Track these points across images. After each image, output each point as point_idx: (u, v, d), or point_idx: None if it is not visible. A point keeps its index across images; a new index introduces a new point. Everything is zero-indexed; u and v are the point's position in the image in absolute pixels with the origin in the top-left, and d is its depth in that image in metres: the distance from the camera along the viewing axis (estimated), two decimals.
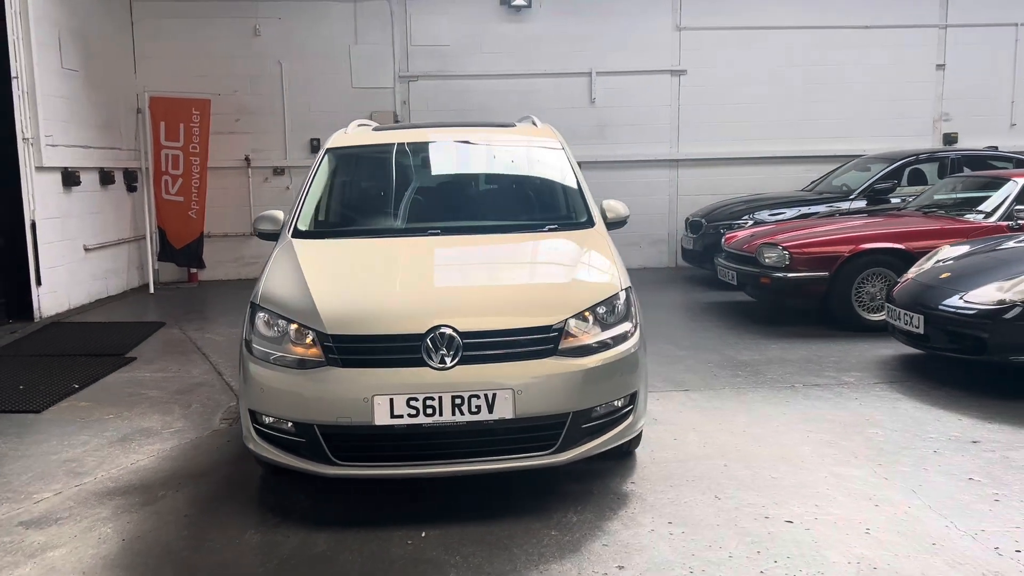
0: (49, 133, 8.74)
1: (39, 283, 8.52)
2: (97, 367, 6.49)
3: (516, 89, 11.54)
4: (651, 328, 7.59)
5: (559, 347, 3.60)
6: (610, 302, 3.87)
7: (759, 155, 11.82)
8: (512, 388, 3.47)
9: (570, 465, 3.94)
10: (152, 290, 10.68)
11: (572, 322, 3.68)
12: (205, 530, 3.59)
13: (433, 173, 5.23)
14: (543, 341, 3.59)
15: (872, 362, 6.23)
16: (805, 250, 7.36)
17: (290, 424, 3.57)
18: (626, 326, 3.87)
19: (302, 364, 3.57)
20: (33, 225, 8.44)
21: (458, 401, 3.44)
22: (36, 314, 8.49)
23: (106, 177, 10.09)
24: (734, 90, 11.75)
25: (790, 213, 9.77)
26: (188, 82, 11.08)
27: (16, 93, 8.26)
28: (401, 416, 3.43)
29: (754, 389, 5.61)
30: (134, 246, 10.95)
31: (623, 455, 4.33)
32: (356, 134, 5.39)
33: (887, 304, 6.13)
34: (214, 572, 3.23)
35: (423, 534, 3.49)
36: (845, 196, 9.90)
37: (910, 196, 9.35)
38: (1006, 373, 5.54)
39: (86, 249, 9.57)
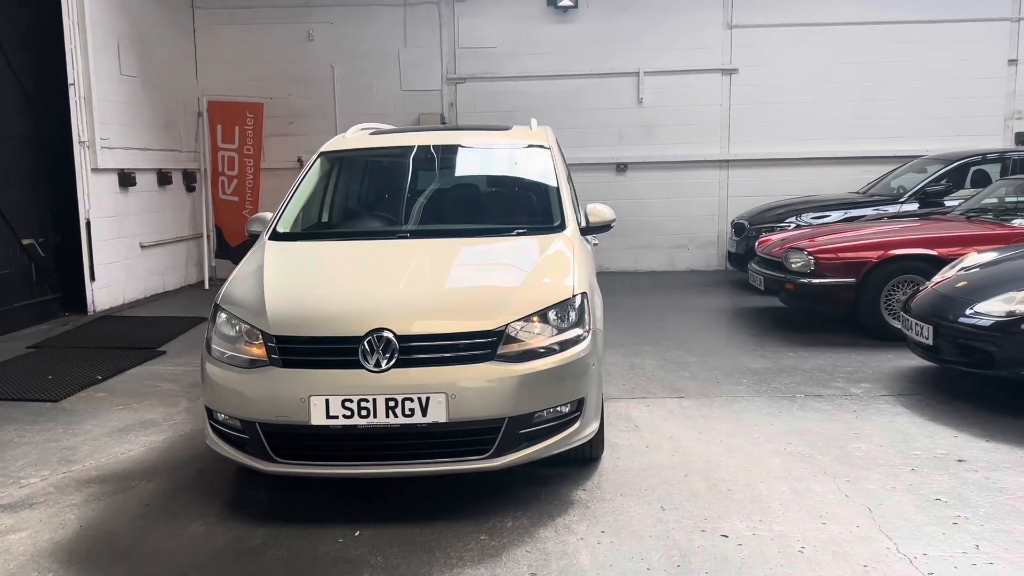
0: (106, 136, 9.22)
1: (93, 278, 9.00)
2: (126, 359, 6.82)
3: (562, 90, 11.52)
4: (670, 332, 7.53)
5: (498, 352, 3.61)
6: (561, 307, 3.85)
7: (813, 156, 11.45)
8: (445, 392, 3.50)
9: (525, 469, 3.98)
10: (207, 286, 11.13)
11: (516, 326, 3.68)
12: (157, 520, 3.76)
13: (416, 177, 5.30)
14: (480, 346, 3.61)
15: (887, 374, 5.99)
16: (831, 255, 7.12)
17: (238, 422, 3.69)
18: (576, 331, 3.85)
19: (252, 364, 3.69)
20: (88, 223, 8.92)
21: (392, 404, 3.50)
22: (90, 308, 8.98)
23: (164, 178, 10.57)
24: (788, 89, 11.42)
25: (835, 216, 9.44)
26: (246, 86, 11.50)
27: (73, 99, 8.74)
28: (336, 417, 3.51)
29: (751, 398, 5.48)
30: (192, 244, 11.43)
31: (585, 461, 4.30)
32: (350, 139, 5.51)
33: (901, 313, 5.88)
34: (146, 560, 3.39)
35: (357, 533, 3.56)
36: (895, 199, 9.50)
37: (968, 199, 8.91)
38: (1022, 388, 5.25)
39: (142, 246, 10.05)
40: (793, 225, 9.35)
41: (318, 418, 3.51)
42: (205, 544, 3.50)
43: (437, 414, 3.50)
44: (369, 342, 3.56)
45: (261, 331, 3.70)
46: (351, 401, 3.50)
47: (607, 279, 11.07)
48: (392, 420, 3.50)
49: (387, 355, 3.55)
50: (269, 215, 4.95)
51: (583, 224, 4.90)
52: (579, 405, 3.83)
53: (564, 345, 3.79)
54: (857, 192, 10.51)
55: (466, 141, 5.38)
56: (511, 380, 3.57)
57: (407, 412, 3.50)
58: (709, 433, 4.80)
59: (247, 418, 3.64)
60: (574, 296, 3.93)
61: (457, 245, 4.42)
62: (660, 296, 9.64)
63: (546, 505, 3.82)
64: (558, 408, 3.76)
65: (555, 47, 11.47)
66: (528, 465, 4.02)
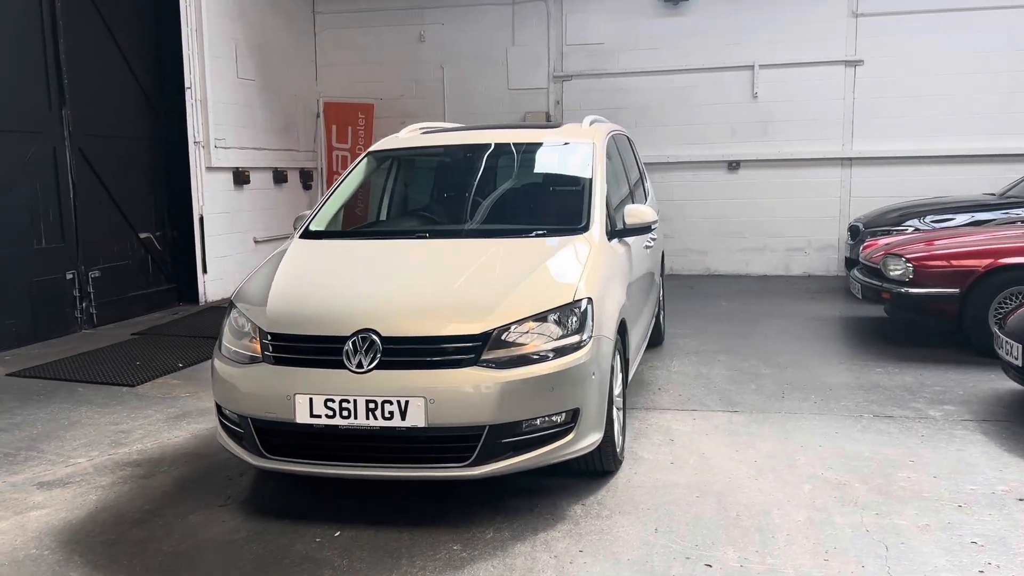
0: (221, 137, 9.75)
1: (205, 271, 9.55)
2: (211, 349, 7.16)
3: (672, 85, 11.15)
4: (755, 341, 7.10)
5: (484, 357, 3.50)
6: (561, 311, 3.70)
7: (948, 153, 10.51)
8: (424, 397, 3.43)
9: (528, 478, 3.89)
10: None
11: (510, 330, 3.57)
12: (163, 507, 3.90)
13: (452, 177, 5.25)
14: (463, 350, 3.51)
15: (979, 396, 5.38)
16: (931, 263, 6.49)
17: (236, 416, 3.78)
18: (574, 339, 3.68)
19: (251, 360, 3.76)
20: (201, 219, 9.47)
21: (372, 406, 3.47)
22: (201, 299, 9.53)
23: (279, 176, 11.07)
24: (919, 81, 10.53)
25: (960, 220, 8.61)
26: (361, 87, 11.88)
27: (189, 101, 9.30)
28: (320, 416, 3.51)
29: (811, 416, 5.07)
30: None
31: (596, 474, 4.11)
32: (401, 138, 5.53)
33: (994, 330, 5.27)
34: (135, 544, 3.52)
35: (337, 534, 3.56)
36: None
37: None
38: None
39: (256, 241, 10.56)
40: (911, 229, 8.61)
41: (302, 416, 3.53)
42: (194, 534, 3.60)
43: (416, 418, 3.44)
44: (354, 342, 3.55)
45: (260, 328, 3.77)
46: (333, 401, 3.50)
47: (709, 283, 10.68)
48: (372, 422, 3.47)
49: (370, 356, 3.52)
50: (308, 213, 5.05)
51: (621, 226, 4.69)
52: (573, 416, 3.66)
53: (560, 352, 3.63)
54: (992, 194, 9.54)
55: (510, 140, 5.27)
56: (493, 387, 3.45)
57: (387, 415, 3.46)
58: (747, 452, 4.47)
59: (242, 413, 3.72)
60: (576, 301, 3.76)
61: (470, 246, 4.34)
62: (762, 302, 9.14)
63: (535, 519, 3.67)
64: (549, 418, 3.60)
65: (665, 42, 11.12)
66: (533, 475, 3.92)
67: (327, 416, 3.51)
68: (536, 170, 5.07)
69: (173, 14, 9.15)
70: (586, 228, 4.40)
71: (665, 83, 11.17)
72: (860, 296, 7.23)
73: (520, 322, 3.61)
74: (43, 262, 7.62)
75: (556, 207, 4.80)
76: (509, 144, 5.19)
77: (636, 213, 4.72)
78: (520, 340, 3.60)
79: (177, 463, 4.50)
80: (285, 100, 11.24)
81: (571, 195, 4.74)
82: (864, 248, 7.69)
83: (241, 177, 10.21)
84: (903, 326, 7.47)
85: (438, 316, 3.63)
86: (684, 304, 9.03)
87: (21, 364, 6.68)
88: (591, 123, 5.47)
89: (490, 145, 5.23)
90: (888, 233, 8.60)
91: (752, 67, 10.89)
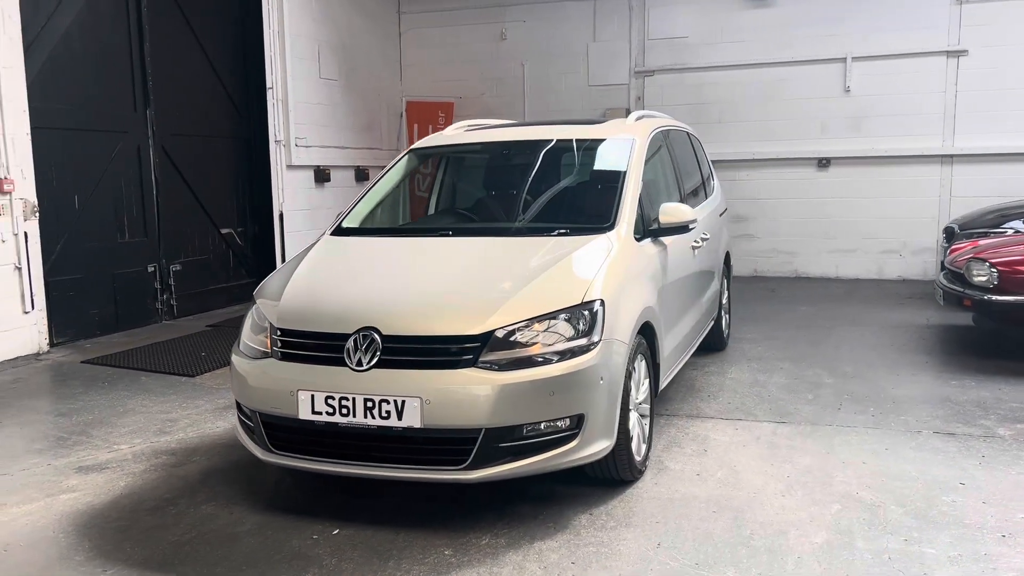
0: (302, 136, 10.00)
1: None
2: None
3: (759, 79, 10.73)
4: (825, 349, 6.73)
5: (483, 358, 3.42)
6: (568, 313, 3.57)
7: None
8: (420, 397, 3.38)
9: (540, 483, 3.82)
10: None
11: (512, 331, 3.47)
12: (179, 496, 4.00)
13: (487, 173, 5.18)
14: (462, 351, 3.44)
15: None
16: (1019, 269, 5.97)
17: (248, 410, 3.82)
18: (582, 341, 3.55)
19: (263, 355, 3.80)
20: (281, 216, 9.74)
21: (369, 404, 3.44)
22: None
23: (360, 174, 11.27)
24: None
25: None
26: (444, 86, 11.96)
27: (270, 101, 9.58)
28: (320, 413, 3.51)
29: (864, 431, 4.75)
30: None
31: (613, 483, 3.96)
32: (444, 135, 5.50)
33: None
34: (144, 532, 3.61)
35: (335, 532, 3.55)
36: None
37: None
38: None
39: None
40: (1012, 231, 7.97)
41: (305, 412, 3.54)
42: (200, 525, 3.67)
43: (412, 419, 3.39)
44: (355, 340, 3.53)
45: (271, 324, 3.81)
46: (333, 398, 3.49)
47: (794, 286, 10.21)
48: (369, 421, 3.44)
49: (369, 355, 3.49)
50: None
51: (656, 225, 4.51)
52: (578, 422, 3.53)
53: (566, 355, 3.51)
54: None
55: (549, 136, 5.15)
56: (489, 389, 3.36)
57: (383, 414, 3.42)
58: (782, 466, 4.22)
59: (251, 407, 3.76)
60: (587, 302, 3.62)
61: (488, 244, 4.26)
62: (844, 307, 8.67)
63: (537, 526, 3.56)
64: (552, 423, 3.49)
65: (751, 34, 10.70)
66: (547, 481, 3.83)
67: (327, 413, 3.50)
68: (571, 167, 4.93)
69: (256, 17, 9.44)
70: (611, 227, 4.24)
71: (751, 77, 10.76)
72: (942, 302, 6.73)
73: (524, 323, 3.51)
74: (126, 255, 8.00)
75: (585, 205, 4.65)
76: (547, 141, 5.08)
77: (671, 212, 4.52)
78: (524, 341, 3.49)
79: (209, 453, 4.61)
80: (368, 99, 11.44)
81: (602, 193, 4.59)
82: (951, 251, 7.17)
83: (322, 175, 10.45)
84: (991, 336, 6.93)
85: (438, 315, 3.57)
86: (760, 308, 8.67)
87: (98, 352, 7.03)
88: (637, 119, 5.28)
89: (528, 142, 5.14)
90: (985, 235, 8.00)
91: (844, 59, 10.34)
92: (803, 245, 10.85)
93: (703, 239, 5.54)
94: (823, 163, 10.60)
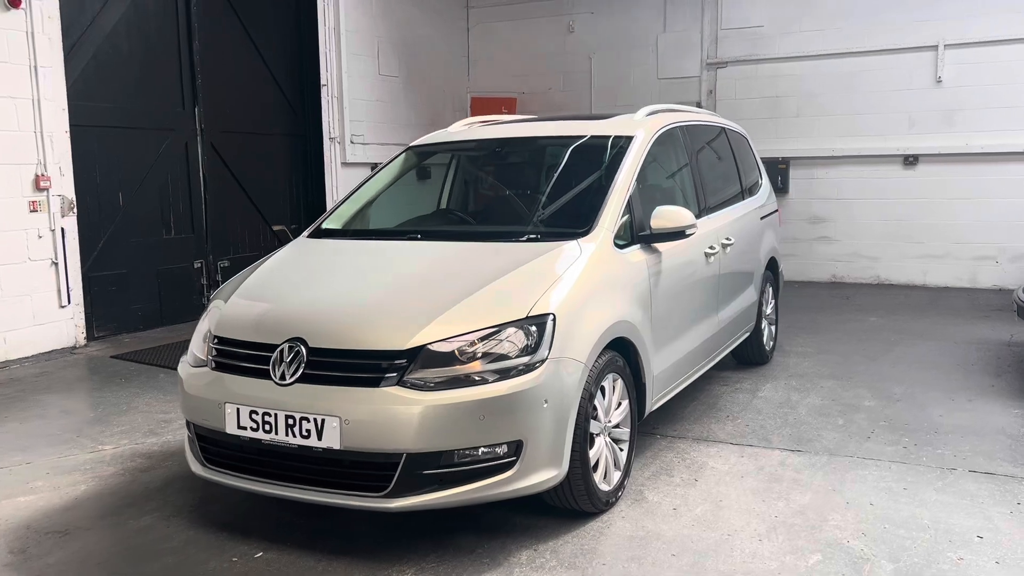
0: (359, 133, 9.95)
1: None
2: None
3: (838, 70, 9.96)
4: (878, 367, 6.12)
5: (408, 376, 3.14)
6: (511, 328, 3.24)
7: None
8: (339, 416, 3.13)
9: (497, 511, 3.54)
10: None
11: (439, 347, 3.17)
12: (130, 504, 3.89)
13: (479, 172, 4.90)
14: (386, 367, 3.16)
15: None
16: None
17: (186, 421, 3.67)
18: (522, 360, 3.21)
19: (201, 363, 3.64)
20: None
21: (291, 422, 3.22)
22: None
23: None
24: None
25: None
26: (511, 81, 11.71)
27: (325, 98, 9.56)
28: (245, 428, 3.31)
29: (888, 465, 4.20)
30: None
31: (580, 515, 3.60)
32: (446, 132, 5.25)
33: None
34: (71, 542, 3.50)
35: (258, 555, 3.35)
36: None
37: None
38: None
39: None
40: None
41: (231, 426, 3.35)
42: (129, 539, 3.54)
43: (332, 439, 3.14)
44: (281, 351, 3.31)
45: (209, 329, 3.64)
46: (257, 413, 3.29)
47: (872, 293, 9.44)
48: (291, 439, 3.22)
49: (293, 368, 3.27)
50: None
51: (647, 231, 4.11)
52: (516, 449, 3.19)
53: (504, 374, 3.18)
54: None
55: (547, 133, 4.81)
56: (413, 410, 3.07)
57: (304, 433, 3.19)
58: (774, 504, 3.75)
59: (187, 418, 3.61)
60: (533, 316, 3.28)
61: (452, 250, 3.97)
62: (920, 319, 7.90)
63: (471, 562, 3.25)
64: (488, 449, 3.17)
65: (831, 21, 9.95)
66: (507, 508, 3.53)
67: (251, 429, 3.30)
68: (563, 166, 4.57)
69: (312, 14, 9.43)
70: (587, 232, 3.87)
71: (832, 68, 10.00)
72: (1019, 316, 5.99)
73: (460, 337, 3.20)
74: (171, 251, 8.11)
75: (567, 208, 4.28)
76: (542, 138, 4.75)
77: (666, 216, 4.10)
78: (460, 358, 3.19)
79: (182, 459, 4.49)
80: (432, 95, 11.29)
81: (586, 195, 4.21)
82: None
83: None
84: None
85: (367, 327, 3.30)
86: (825, 318, 8.01)
87: (132, 347, 7.12)
88: (648, 114, 4.86)
89: (522, 139, 4.82)
90: None
91: (936, 47, 9.46)
92: (887, 249, 10.02)
93: (725, 244, 5.06)
94: (910, 160, 9.74)
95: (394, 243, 4.21)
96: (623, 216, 4.07)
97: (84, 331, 7.11)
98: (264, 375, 3.32)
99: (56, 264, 6.84)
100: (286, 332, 3.35)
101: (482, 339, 3.22)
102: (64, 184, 6.86)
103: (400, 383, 3.13)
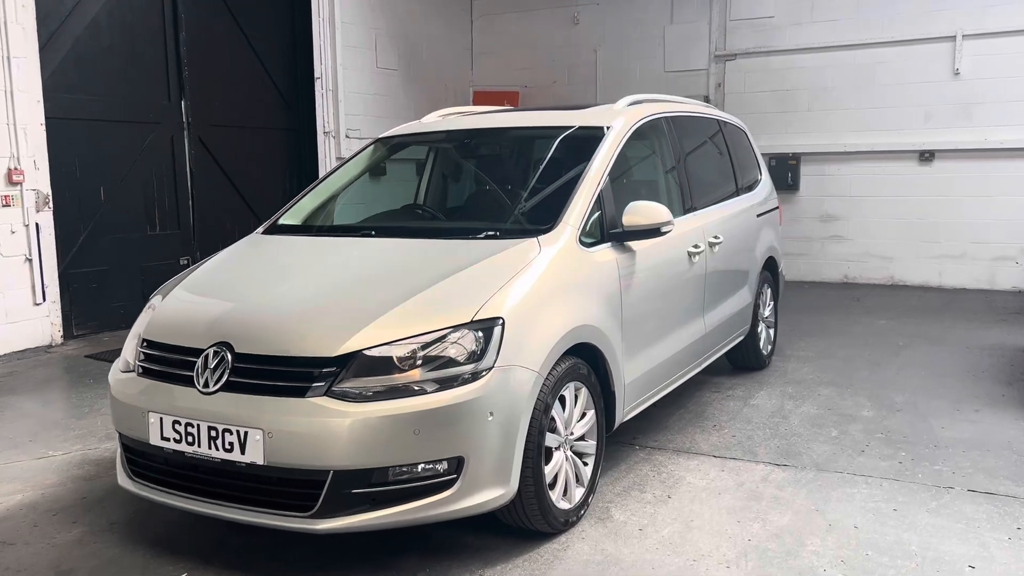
0: (355, 127, 9.71)
1: None
2: None
3: (851, 62, 9.57)
4: (883, 374, 5.78)
5: (337, 385, 2.87)
6: (455, 334, 2.97)
7: None
8: (263, 429, 2.87)
9: (451, 531, 3.25)
10: None
11: (372, 354, 2.91)
12: (68, 516, 3.66)
13: (447, 165, 4.64)
14: (314, 376, 2.90)
15: None
16: None
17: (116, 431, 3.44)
18: (465, 369, 2.94)
19: (129, 367, 3.40)
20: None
21: (213, 434, 2.96)
22: None
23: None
24: None
25: None
26: (515, 75, 11.43)
27: (319, 92, 9.33)
28: (168, 439, 3.07)
29: (880, 483, 3.88)
30: None
31: (535, 535, 3.32)
32: (419, 123, 4.99)
33: None
34: (7, 552, 3.29)
35: (183, 575, 3.10)
36: None
37: None
38: None
39: None
40: None
41: (155, 438, 3.11)
42: (49, 553, 3.31)
43: (255, 454, 2.89)
44: (206, 357, 3.06)
45: (139, 331, 3.40)
46: (180, 424, 3.04)
47: (884, 295, 9.05)
48: (214, 452, 2.97)
49: (217, 374, 3.01)
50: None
51: (619, 228, 3.82)
52: (457, 466, 2.92)
53: (445, 384, 2.91)
54: None
55: (520, 124, 4.53)
56: (340, 424, 2.81)
57: (227, 446, 2.94)
58: (749, 526, 3.45)
59: (115, 427, 3.37)
60: (479, 321, 3.01)
61: (404, 248, 3.70)
62: (933, 322, 7.52)
63: None
64: (425, 466, 2.90)
65: (844, 11, 9.56)
66: (460, 527, 3.26)
67: (175, 440, 3.05)
68: (532, 159, 4.29)
69: (305, 4, 9.21)
70: (550, 230, 3.58)
71: (845, 60, 9.61)
72: None
73: (396, 344, 2.93)
74: (156, 247, 7.92)
75: (531, 203, 3.99)
76: (514, 129, 4.47)
77: (639, 212, 3.80)
78: (397, 365, 2.92)
79: None
80: (434, 89, 11.04)
81: (553, 190, 3.92)
82: None
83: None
84: None
85: (296, 332, 3.04)
86: (832, 320, 7.66)
87: (110, 346, 6.93)
88: (630, 104, 4.56)
89: (492, 130, 4.54)
90: None
91: (954, 38, 9.05)
92: (901, 249, 9.62)
93: (713, 243, 4.75)
94: (926, 156, 9.34)
95: (347, 240, 3.95)
96: (594, 212, 3.79)
97: (61, 329, 6.93)
98: (189, 382, 3.08)
99: (30, 260, 6.65)
100: (213, 336, 3.11)
101: (423, 345, 2.95)
102: (39, 178, 6.67)
103: (329, 393, 2.87)
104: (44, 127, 6.69)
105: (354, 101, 9.70)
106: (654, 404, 4.58)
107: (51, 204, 6.76)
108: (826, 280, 9.97)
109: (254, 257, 3.95)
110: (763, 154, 9.82)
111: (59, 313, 6.90)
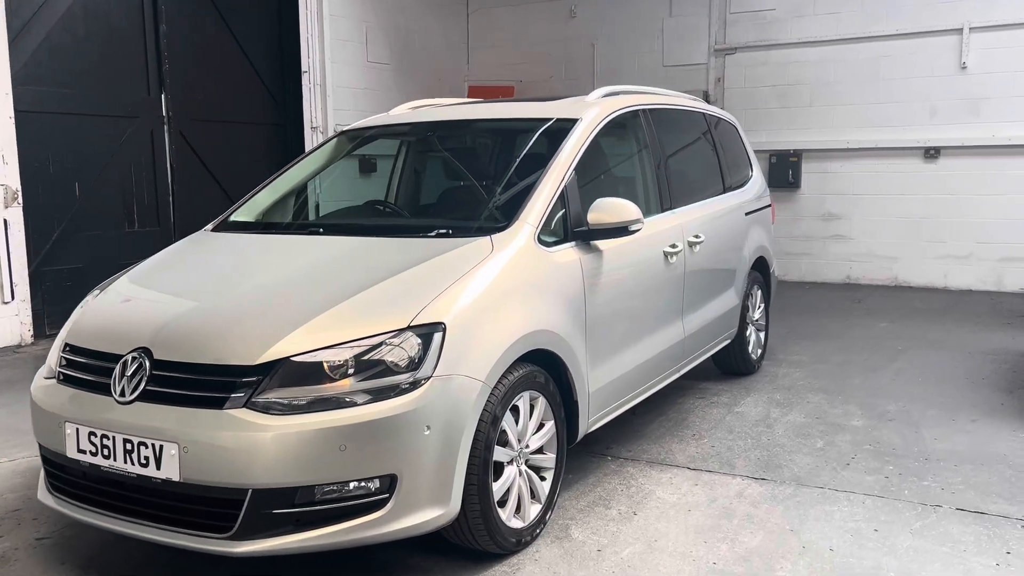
0: (344, 123, 9.47)
1: None
2: None
3: (856, 56, 9.27)
4: (877, 380, 5.52)
5: (258, 396, 2.65)
6: (390, 340, 2.74)
7: None
8: (178, 443, 2.65)
9: (396, 550, 2.99)
10: None
11: (297, 362, 2.68)
12: (5, 529, 3.47)
13: (409, 159, 4.42)
14: (233, 385, 2.68)
15: None
16: None
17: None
18: (400, 378, 2.71)
19: (51, 374, 3.19)
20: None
21: (129, 447, 2.75)
22: None
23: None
24: None
25: None
26: (511, 69, 11.19)
27: (306, 86, 9.12)
28: (85, 452, 2.85)
29: (863, 499, 3.62)
30: None
31: (480, 556, 3.09)
32: (389, 115, 4.76)
33: None
34: None
35: None
36: None
37: None
38: None
39: None
40: None
41: (72, 450, 2.89)
42: None
43: (171, 469, 2.67)
44: (125, 363, 2.84)
45: (63, 335, 3.20)
46: (96, 435, 2.82)
47: (887, 296, 8.75)
48: (130, 467, 2.75)
49: (134, 383, 2.79)
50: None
51: (584, 227, 3.58)
52: (390, 485, 2.69)
53: (377, 395, 2.68)
54: None
55: (487, 116, 4.30)
56: (260, 438, 2.58)
57: (143, 460, 2.72)
58: (716, 547, 3.20)
59: (35, 437, 3.16)
60: (416, 326, 2.78)
61: (348, 246, 3.48)
62: (934, 325, 7.24)
63: None
64: (357, 484, 2.67)
65: (848, 4, 9.26)
66: (406, 546, 3.02)
67: (91, 453, 2.84)
68: (497, 152, 4.06)
69: None
70: (505, 228, 3.34)
71: (847, 54, 9.31)
72: None
73: (325, 350, 2.70)
74: (135, 245, 7.71)
75: (489, 199, 3.74)
76: (480, 122, 4.23)
77: (605, 209, 3.56)
78: (327, 374, 2.69)
79: None
80: (427, 84, 10.79)
81: (514, 185, 3.67)
82: None
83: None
84: None
85: (218, 337, 2.82)
86: (831, 322, 7.39)
87: None
88: (604, 95, 4.31)
89: (457, 123, 4.30)
90: None
91: (960, 30, 8.74)
92: (905, 249, 9.32)
93: (693, 243, 4.50)
94: (931, 153, 9.03)
95: (293, 239, 3.73)
96: (557, 210, 3.55)
97: (31, 328, 6.74)
98: (108, 390, 2.86)
99: None
100: (133, 341, 2.89)
101: (355, 352, 2.72)
102: (8, 173, 6.49)
103: (249, 405, 2.64)
104: (13, 120, 6.50)
105: (343, 95, 9.49)
106: (632, 411, 4.36)
107: (20, 200, 6.58)
108: (828, 281, 9.68)
109: (194, 256, 3.73)
110: (763, 151, 9.60)
111: (29, 312, 6.71)
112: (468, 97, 10.91)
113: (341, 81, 9.44)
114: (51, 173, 6.99)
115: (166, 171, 7.98)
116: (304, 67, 9.10)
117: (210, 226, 4.12)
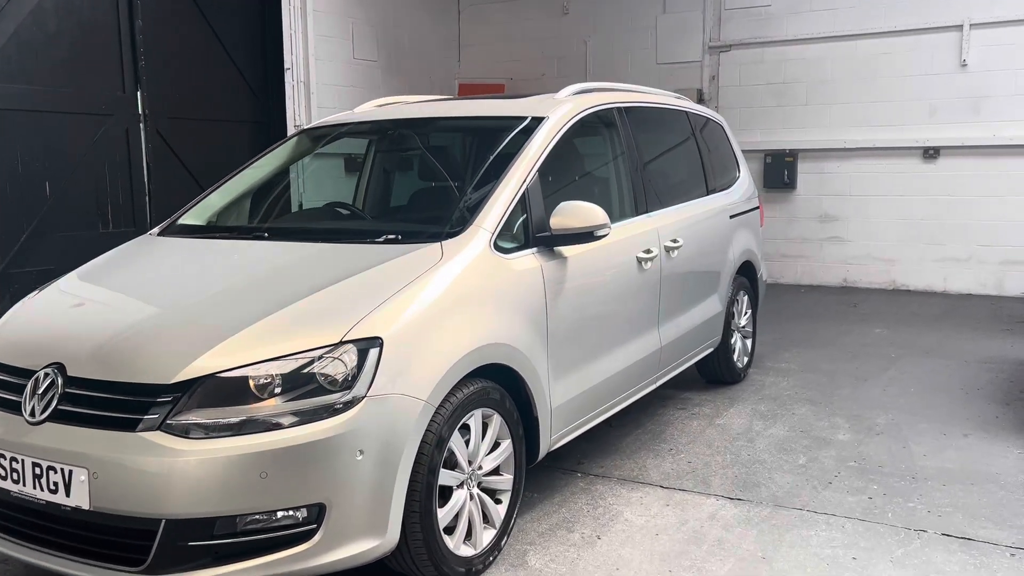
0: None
1: None
2: None
3: (854, 54, 9.02)
4: (868, 390, 5.29)
5: (173, 418, 2.44)
6: (320, 356, 2.53)
7: None
8: (87, 468, 2.44)
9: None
10: None
11: (218, 380, 2.47)
12: None
13: (369, 159, 4.21)
14: (146, 405, 2.47)
15: None
16: None
17: None
18: (331, 399, 2.50)
19: None
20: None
21: (38, 471, 2.54)
22: None
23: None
24: None
25: None
26: (503, 67, 10.96)
27: (289, 83, 8.90)
28: None
29: (844, 523, 3.40)
30: None
31: None
32: (350, 114, 4.55)
33: None
34: None
35: None
36: None
37: None
38: None
39: None
40: None
41: None
42: None
43: (80, 496, 2.46)
44: (37, 379, 2.63)
45: None
46: (4, 457, 2.61)
47: (884, 300, 8.49)
48: (38, 493, 2.54)
49: (45, 401, 2.58)
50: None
51: (547, 232, 3.36)
52: (318, 514, 2.47)
53: (307, 416, 2.47)
54: None
55: (449, 114, 4.08)
56: (174, 463, 2.37)
57: (51, 486, 2.51)
58: (683, 575, 2.99)
59: None
60: (350, 341, 2.56)
61: (290, 252, 3.27)
62: (931, 331, 7.00)
63: None
64: (284, 513, 2.45)
65: (845, 0, 9.01)
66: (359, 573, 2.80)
67: (1, 477, 2.62)
68: (457, 152, 3.85)
69: None
70: (458, 233, 3.12)
71: (845, 51, 9.07)
72: None
73: (248, 367, 2.49)
74: (109, 246, 7.34)
75: (444, 201, 3.53)
76: (442, 119, 4.02)
77: (568, 213, 3.34)
78: (253, 394, 2.48)
79: None
80: (417, 82, 10.57)
81: (472, 187, 3.46)
82: None
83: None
84: None
85: (133, 353, 2.60)
86: (824, 328, 7.15)
87: None
88: (575, 92, 4.09)
89: (419, 121, 4.09)
90: None
91: (961, 27, 8.49)
92: (903, 251, 9.07)
93: (671, 247, 4.27)
94: (930, 153, 8.78)
95: (234, 244, 3.51)
96: (518, 214, 3.33)
97: None
98: (14, 407, 2.65)
99: None
100: (47, 356, 2.68)
101: (281, 370, 2.50)
102: None
103: (163, 427, 2.43)
104: None
105: (327, 93, 9.27)
106: (608, 423, 4.16)
107: None
108: (824, 284, 9.43)
109: (130, 262, 3.52)
110: (759, 150, 9.37)
111: None
112: (459, 95, 10.73)
113: (326, 79, 9.22)
114: (19, 172, 6.78)
115: (142, 170, 7.77)
116: (287, 64, 8.88)
117: (156, 229, 3.92)
